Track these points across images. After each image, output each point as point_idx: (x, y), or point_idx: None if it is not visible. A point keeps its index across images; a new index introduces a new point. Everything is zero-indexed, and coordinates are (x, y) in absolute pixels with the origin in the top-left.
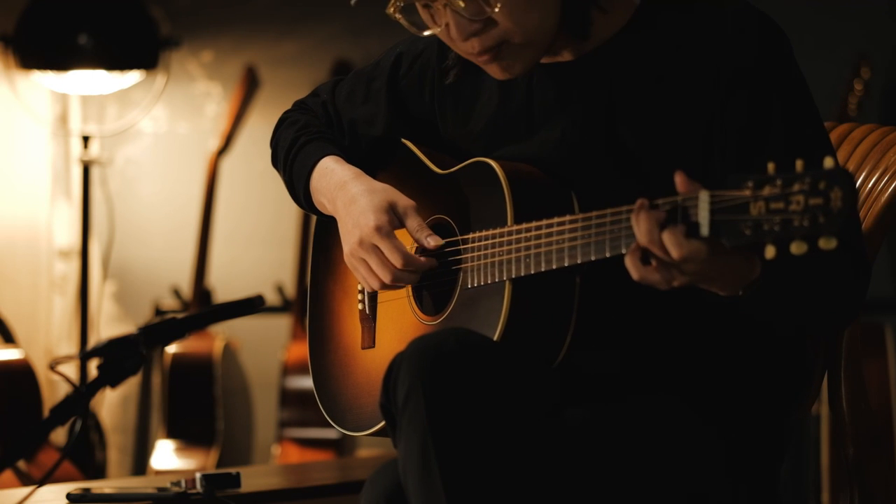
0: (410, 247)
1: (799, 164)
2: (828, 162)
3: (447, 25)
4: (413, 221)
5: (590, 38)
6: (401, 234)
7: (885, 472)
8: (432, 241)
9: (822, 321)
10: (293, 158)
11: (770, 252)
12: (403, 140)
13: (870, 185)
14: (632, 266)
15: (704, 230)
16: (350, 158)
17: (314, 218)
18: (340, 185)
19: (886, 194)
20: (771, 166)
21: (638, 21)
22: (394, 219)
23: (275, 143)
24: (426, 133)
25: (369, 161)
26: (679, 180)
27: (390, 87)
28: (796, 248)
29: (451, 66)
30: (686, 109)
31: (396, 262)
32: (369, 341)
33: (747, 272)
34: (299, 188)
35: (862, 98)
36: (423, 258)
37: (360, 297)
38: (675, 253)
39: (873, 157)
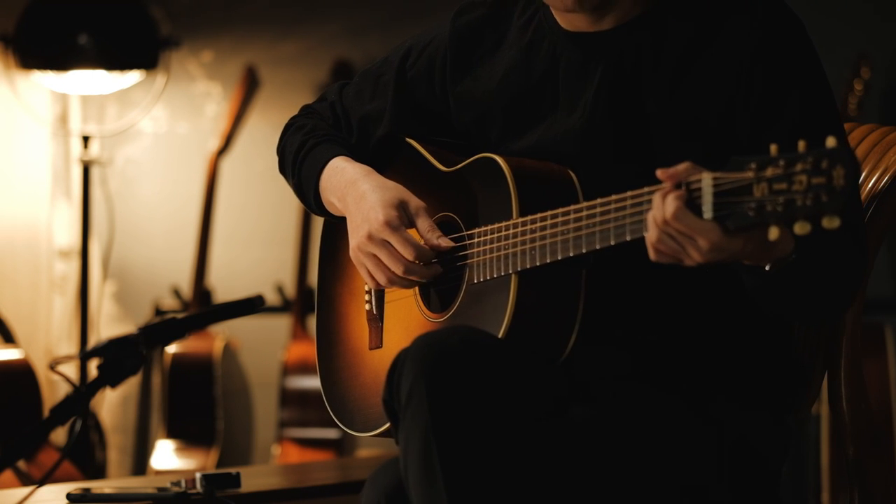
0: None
1: (801, 145)
2: (830, 141)
3: None
4: (424, 222)
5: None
6: (410, 233)
7: (885, 472)
8: (443, 242)
9: (824, 304)
10: (302, 161)
11: (773, 233)
12: (408, 139)
13: (870, 185)
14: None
15: (708, 213)
16: (358, 157)
17: (314, 218)
18: (351, 182)
19: (886, 194)
20: (773, 147)
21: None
22: (403, 216)
23: (281, 148)
24: (433, 124)
25: (376, 160)
26: (660, 174)
27: (398, 79)
28: (800, 228)
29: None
30: (711, 88)
31: (408, 254)
32: (377, 341)
33: (768, 248)
34: (309, 189)
35: (862, 98)
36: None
37: (367, 297)
38: (681, 227)
39: (873, 157)
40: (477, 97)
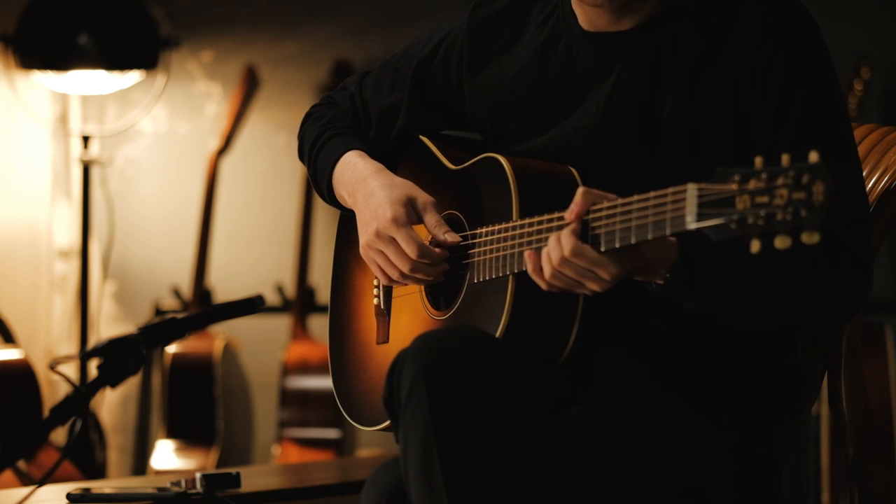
0: (426, 241)
1: (785, 158)
2: (812, 156)
3: None
4: (431, 217)
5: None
6: (418, 229)
7: (885, 472)
8: (449, 238)
9: (799, 318)
10: (318, 153)
11: (755, 246)
12: (421, 136)
13: (869, 185)
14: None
15: (692, 224)
16: (374, 150)
17: (315, 218)
18: (361, 178)
19: (886, 194)
20: (758, 160)
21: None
22: (411, 212)
23: (301, 136)
24: (450, 118)
25: (390, 154)
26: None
27: (416, 72)
28: (780, 242)
29: None
30: (725, 94)
31: (412, 252)
32: (384, 336)
33: (648, 263)
34: (322, 182)
35: (862, 98)
36: (438, 249)
37: (375, 291)
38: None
39: (873, 157)
40: (491, 92)
